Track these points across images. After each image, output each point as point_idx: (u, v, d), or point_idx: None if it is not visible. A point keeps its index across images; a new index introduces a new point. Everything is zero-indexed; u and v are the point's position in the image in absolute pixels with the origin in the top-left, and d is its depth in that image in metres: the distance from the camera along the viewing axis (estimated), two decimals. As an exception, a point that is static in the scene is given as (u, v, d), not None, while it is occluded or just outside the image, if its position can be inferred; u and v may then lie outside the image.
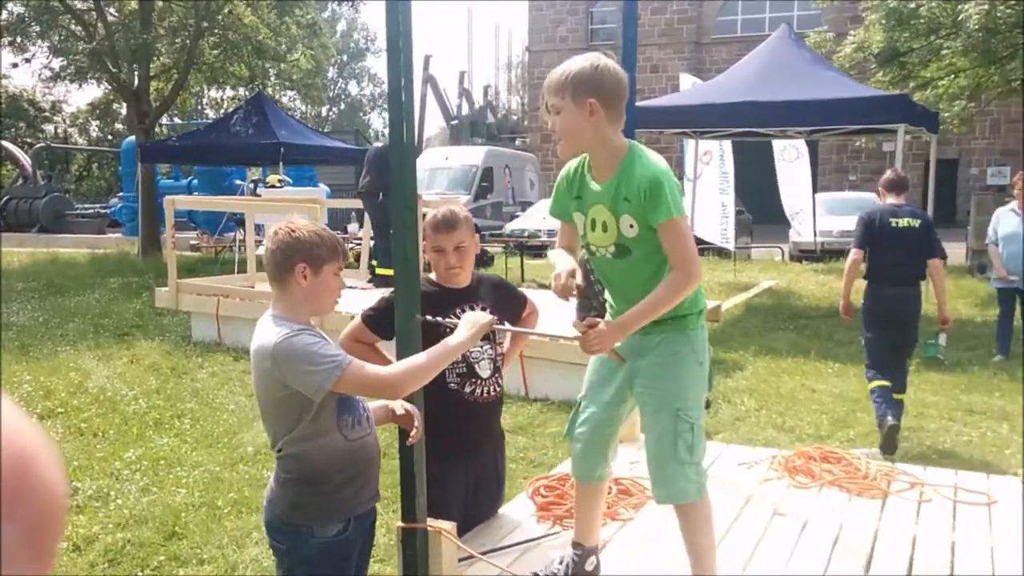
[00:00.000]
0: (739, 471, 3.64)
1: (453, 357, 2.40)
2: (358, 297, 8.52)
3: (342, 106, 59.35)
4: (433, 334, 2.67)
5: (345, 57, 57.38)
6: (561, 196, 2.55)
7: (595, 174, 2.41)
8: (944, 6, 12.77)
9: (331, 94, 56.59)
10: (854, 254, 5.35)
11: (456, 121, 36.26)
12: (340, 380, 2.09)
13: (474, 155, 22.54)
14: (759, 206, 18.87)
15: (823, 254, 15.83)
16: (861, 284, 5.46)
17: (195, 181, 22.11)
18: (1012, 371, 7.18)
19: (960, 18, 12.07)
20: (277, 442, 2.24)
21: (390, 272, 10.84)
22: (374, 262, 9.75)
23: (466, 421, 2.84)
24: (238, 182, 19.27)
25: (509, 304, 3.05)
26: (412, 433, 2.38)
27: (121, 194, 23.80)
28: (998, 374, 7.15)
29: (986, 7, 11.62)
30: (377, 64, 59.27)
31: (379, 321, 2.79)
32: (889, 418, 5.02)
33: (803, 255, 16.04)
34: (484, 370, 2.87)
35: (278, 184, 13.08)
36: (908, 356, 5.48)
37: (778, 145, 14.24)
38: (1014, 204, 7.51)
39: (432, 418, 2.73)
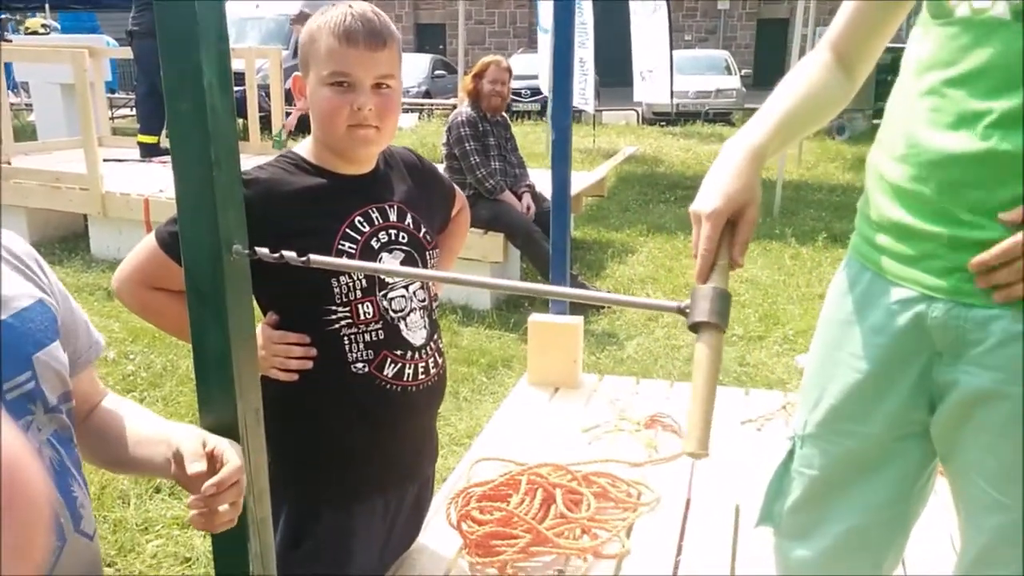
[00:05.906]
0: (747, 434, 2.51)
1: None
2: (126, 171, 6.49)
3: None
4: (292, 279, 1.21)
5: None
6: None
7: None
8: None
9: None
10: None
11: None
12: None
13: (290, 2, 19.78)
14: (604, 66, 17.75)
15: (679, 116, 14.95)
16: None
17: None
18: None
19: None
20: None
21: (152, 140, 7.65)
22: (141, 137, 7.19)
23: (387, 427, 1.47)
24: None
25: (435, 200, 1.65)
26: (197, 507, 0.94)
27: None
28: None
29: None
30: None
31: None
32: None
33: (658, 118, 15.15)
34: (416, 333, 1.47)
35: (41, 30, 10.41)
36: None
37: (635, -4, 13.00)
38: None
39: (326, 430, 1.43)
